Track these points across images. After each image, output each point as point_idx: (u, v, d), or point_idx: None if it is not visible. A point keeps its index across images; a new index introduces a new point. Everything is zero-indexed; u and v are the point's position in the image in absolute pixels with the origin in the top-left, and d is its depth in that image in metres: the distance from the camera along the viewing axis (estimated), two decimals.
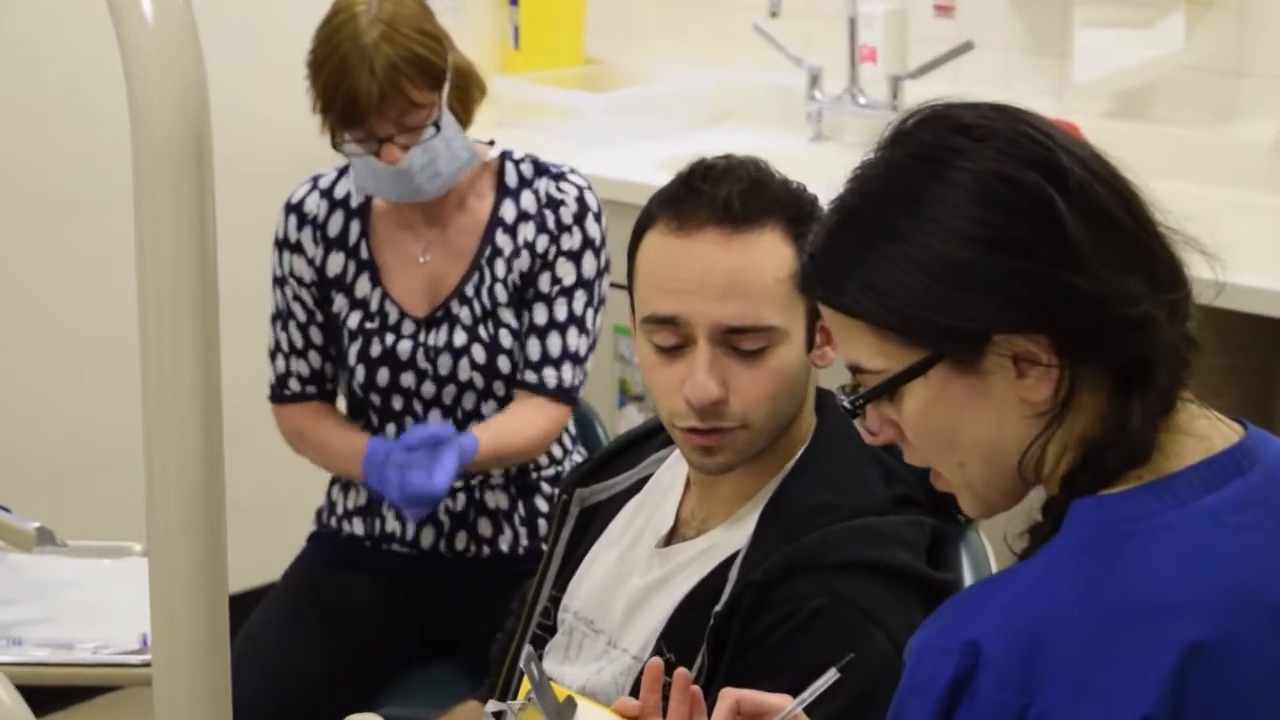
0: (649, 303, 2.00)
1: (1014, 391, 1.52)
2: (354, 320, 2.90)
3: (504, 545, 2.93)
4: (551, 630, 2.16)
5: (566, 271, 2.86)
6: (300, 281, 2.92)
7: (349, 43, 2.72)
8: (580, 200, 2.87)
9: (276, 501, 3.80)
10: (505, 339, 2.87)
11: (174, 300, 1.47)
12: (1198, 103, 3.68)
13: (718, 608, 1.95)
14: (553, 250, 2.86)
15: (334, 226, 2.92)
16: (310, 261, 2.91)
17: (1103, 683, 1.45)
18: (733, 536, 2.03)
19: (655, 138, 4.10)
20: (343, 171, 2.93)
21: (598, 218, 2.88)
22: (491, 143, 2.95)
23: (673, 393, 1.99)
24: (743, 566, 1.98)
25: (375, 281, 2.90)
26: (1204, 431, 1.55)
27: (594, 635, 2.10)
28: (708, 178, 1.99)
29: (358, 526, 2.97)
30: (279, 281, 2.94)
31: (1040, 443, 1.53)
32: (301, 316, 2.93)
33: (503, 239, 2.87)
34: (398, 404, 2.89)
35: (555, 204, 2.86)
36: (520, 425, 2.84)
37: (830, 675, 1.70)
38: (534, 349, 2.86)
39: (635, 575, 2.08)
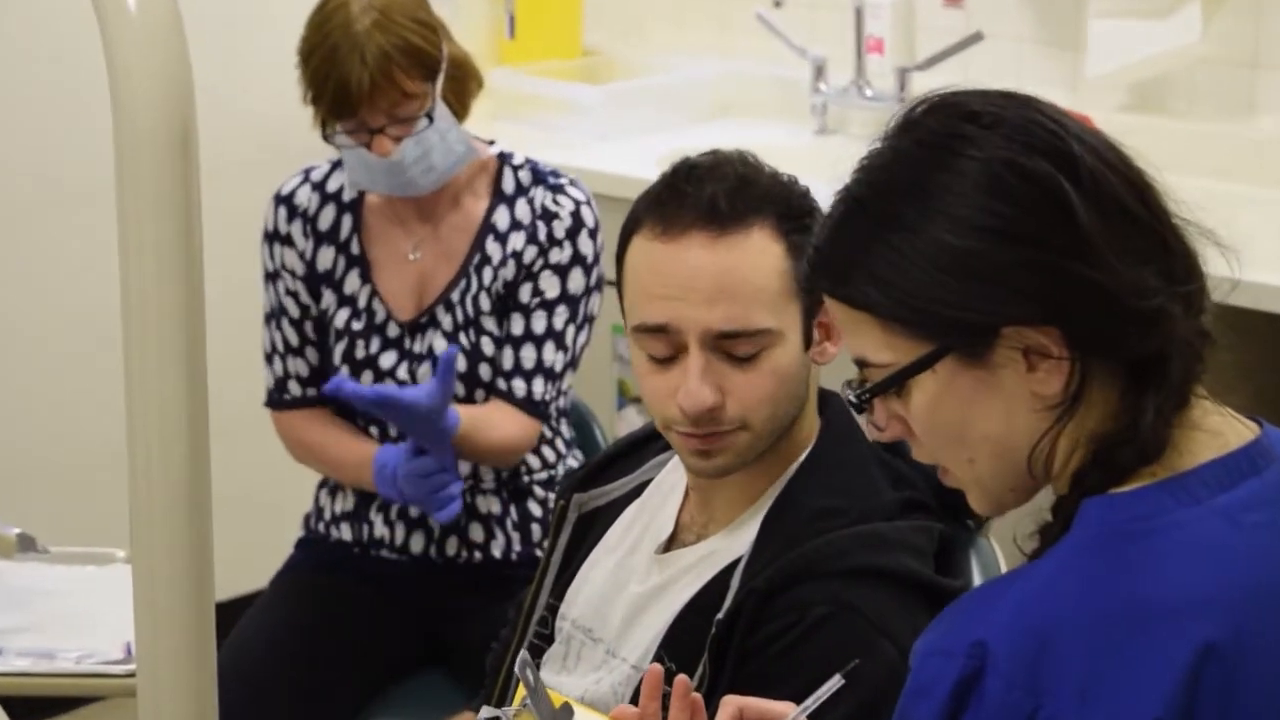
0: (638, 311, 2.01)
1: (1024, 385, 1.53)
2: (341, 319, 2.90)
3: (496, 551, 2.93)
4: (549, 639, 2.16)
5: (550, 285, 2.85)
6: (293, 274, 2.92)
7: (340, 30, 2.72)
8: (575, 215, 2.87)
9: (264, 506, 3.80)
10: (487, 347, 2.87)
11: (158, 299, 1.47)
12: (1215, 95, 3.68)
13: (719, 615, 1.95)
14: (539, 262, 2.85)
15: (325, 220, 2.92)
16: (300, 255, 2.92)
17: (1112, 685, 1.46)
18: (734, 542, 2.03)
19: (655, 131, 4.10)
20: (335, 165, 2.93)
21: (593, 234, 2.87)
22: (492, 142, 2.95)
23: (667, 400, 1.99)
24: (745, 573, 1.98)
25: (365, 278, 2.91)
26: (1218, 428, 1.56)
27: (592, 644, 2.10)
28: (691, 178, 1.99)
29: (346, 532, 2.97)
30: (271, 277, 2.94)
31: (1050, 437, 1.54)
32: (295, 312, 2.93)
33: (493, 247, 2.87)
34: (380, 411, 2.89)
35: (549, 216, 2.86)
36: (496, 420, 2.84)
37: (835, 681, 1.70)
38: (508, 359, 2.86)
39: (634, 582, 2.08)
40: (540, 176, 2.90)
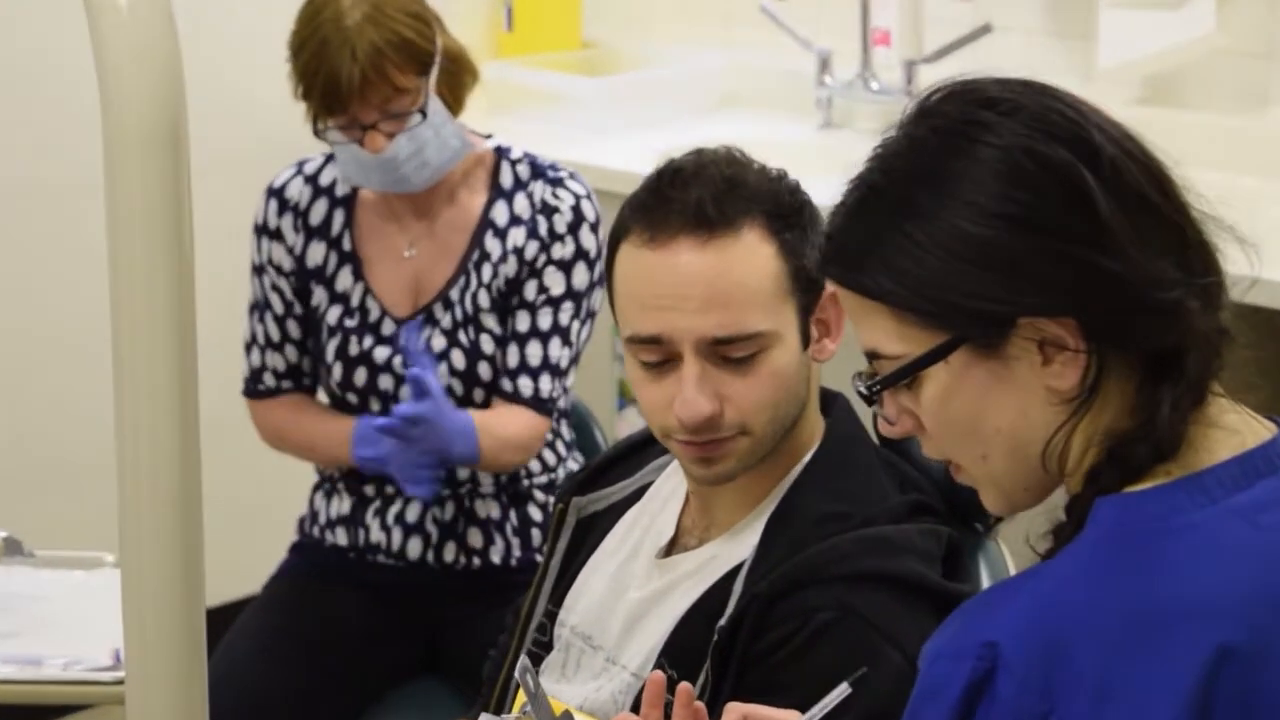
0: (630, 321, 2.00)
1: (1039, 378, 1.53)
2: (333, 316, 2.91)
3: (495, 556, 2.93)
4: (547, 647, 2.16)
5: (555, 281, 2.85)
6: (279, 270, 2.92)
7: (331, 24, 2.72)
8: (576, 209, 2.87)
9: (257, 509, 3.80)
10: (487, 345, 2.87)
11: (148, 296, 1.47)
12: (1231, 87, 3.68)
13: (722, 622, 1.95)
14: (542, 258, 2.85)
15: (316, 215, 2.92)
16: (290, 250, 2.92)
17: (1126, 689, 1.45)
18: (736, 547, 2.03)
19: (657, 126, 4.10)
20: (329, 158, 2.93)
21: (594, 228, 2.87)
22: (489, 136, 2.95)
23: (663, 410, 1.99)
24: (748, 578, 1.98)
25: (357, 275, 2.91)
26: (1236, 426, 1.56)
27: (592, 652, 2.10)
28: (676, 182, 1.99)
29: (341, 537, 2.97)
30: (257, 270, 2.95)
31: (1065, 432, 1.53)
32: (279, 308, 2.94)
33: (492, 243, 2.87)
34: (375, 406, 2.90)
35: (549, 210, 2.86)
36: (505, 419, 2.84)
37: (842, 690, 1.70)
38: (513, 356, 2.86)
39: (634, 588, 2.08)
40: (539, 170, 2.90)
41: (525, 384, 2.85)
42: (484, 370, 2.87)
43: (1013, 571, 2.11)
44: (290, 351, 2.96)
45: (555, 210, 2.86)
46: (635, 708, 1.89)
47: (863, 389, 1.59)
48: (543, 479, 2.96)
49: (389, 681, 2.94)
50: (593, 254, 2.87)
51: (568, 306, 2.86)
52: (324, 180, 2.93)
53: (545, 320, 2.86)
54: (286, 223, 2.92)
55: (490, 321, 2.87)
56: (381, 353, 2.89)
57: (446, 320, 2.88)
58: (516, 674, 1.81)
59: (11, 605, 2.59)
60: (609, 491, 2.20)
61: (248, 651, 2.87)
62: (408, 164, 2.80)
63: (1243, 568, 1.49)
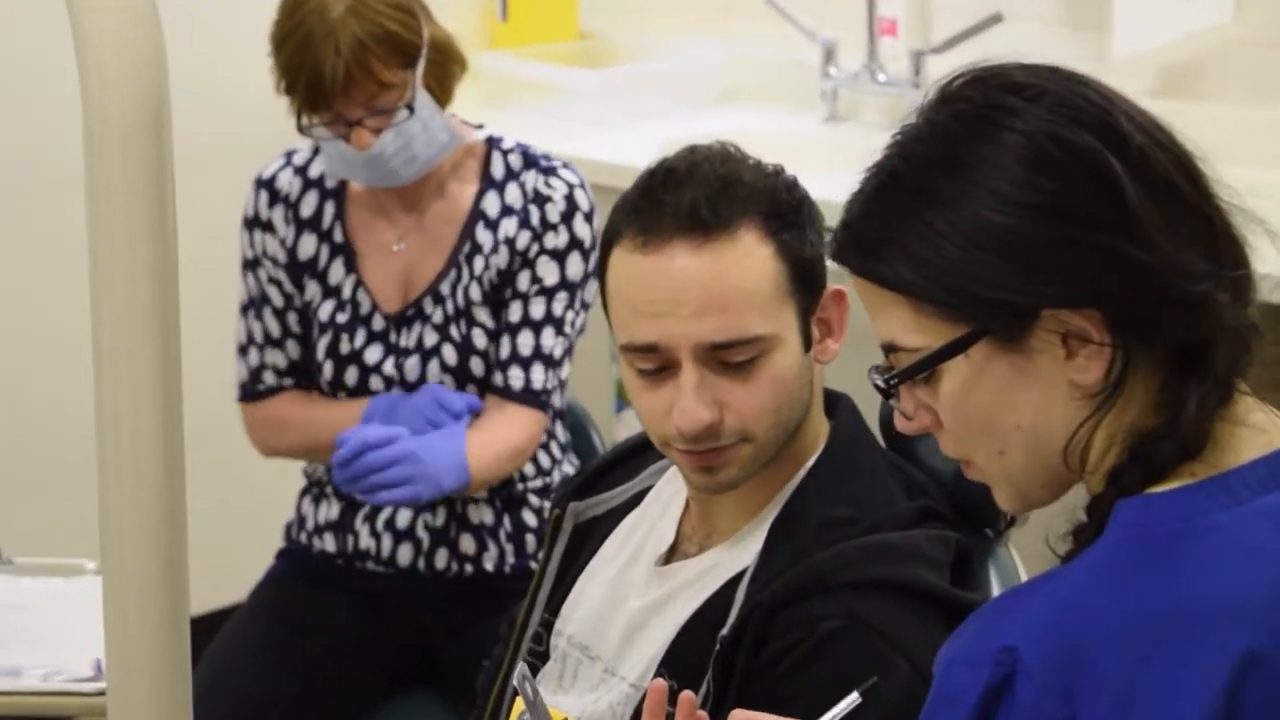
0: (625, 329, 2.00)
1: (1062, 373, 1.52)
2: (325, 311, 2.90)
3: (489, 563, 2.93)
4: (544, 657, 2.15)
5: (549, 271, 2.85)
6: (275, 262, 2.92)
7: (314, 17, 2.71)
8: (569, 199, 2.86)
9: (242, 514, 3.80)
10: (479, 339, 2.87)
11: (130, 294, 1.47)
12: (1250, 78, 3.68)
13: (724, 631, 1.95)
14: (535, 248, 2.85)
15: (307, 207, 2.92)
16: (282, 242, 2.92)
17: (1149, 694, 1.45)
18: (738, 554, 2.03)
19: (656, 119, 4.10)
20: (318, 149, 2.92)
21: (588, 218, 2.87)
22: (480, 126, 2.95)
23: (662, 418, 1.99)
24: (751, 586, 1.97)
25: (350, 267, 2.91)
26: (1263, 424, 1.55)
27: (589, 662, 2.10)
28: (669, 184, 1.98)
29: (329, 543, 2.97)
30: (250, 265, 2.94)
31: (1088, 428, 1.53)
32: (279, 301, 2.93)
33: (483, 235, 2.87)
34: None
35: (541, 200, 2.86)
36: (500, 422, 2.83)
37: (852, 699, 1.70)
38: (505, 347, 2.86)
39: (633, 596, 2.08)
40: (532, 160, 2.90)
41: (516, 375, 2.84)
42: (476, 366, 2.87)
43: (1024, 578, 2.11)
44: (291, 347, 2.95)
45: (548, 199, 2.86)
46: (635, 719, 1.89)
47: (879, 383, 1.58)
48: (537, 483, 2.96)
49: (380, 693, 2.94)
50: (587, 244, 2.86)
51: (561, 296, 2.86)
52: (313, 172, 2.93)
53: (538, 310, 2.85)
54: (277, 214, 2.92)
55: (483, 315, 2.87)
56: (373, 354, 2.88)
57: (438, 315, 2.87)
58: (515, 681, 1.81)
59: None
60: (607, 496, 2.20)
61: (233, 661, 2.87)
62: (395, 159, 2.79)
63: (1269, 570, 1.49)
